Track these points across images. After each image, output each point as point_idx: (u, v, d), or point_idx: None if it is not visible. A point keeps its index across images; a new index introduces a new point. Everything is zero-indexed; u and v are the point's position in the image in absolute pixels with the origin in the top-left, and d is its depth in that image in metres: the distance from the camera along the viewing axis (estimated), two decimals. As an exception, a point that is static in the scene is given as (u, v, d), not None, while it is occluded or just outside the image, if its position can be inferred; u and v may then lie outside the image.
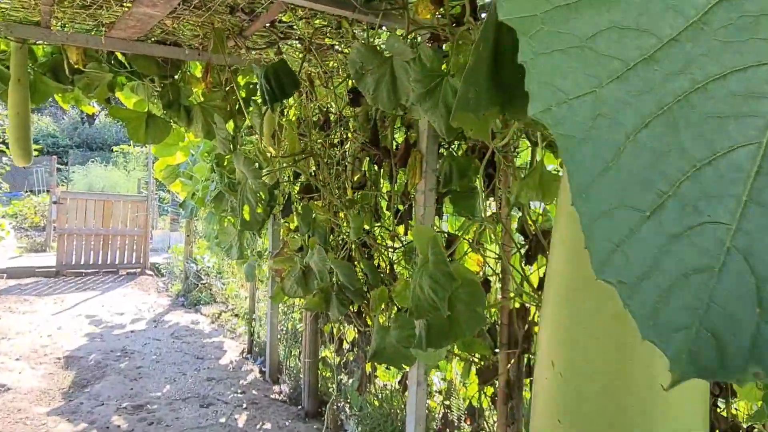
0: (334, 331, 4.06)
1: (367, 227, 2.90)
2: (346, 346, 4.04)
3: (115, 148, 18.17)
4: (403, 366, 1.97)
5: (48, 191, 13.01)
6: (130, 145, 17.88)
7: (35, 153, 8.14)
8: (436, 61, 1.38)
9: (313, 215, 3.07)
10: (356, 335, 3.80)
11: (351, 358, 3.99)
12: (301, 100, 3.50)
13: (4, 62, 3.49)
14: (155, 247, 10.39)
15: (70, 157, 18.95)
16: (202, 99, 3.85)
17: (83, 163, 18.45)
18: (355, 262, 2.95)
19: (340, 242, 3.11)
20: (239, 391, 4.46)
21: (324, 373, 4.35)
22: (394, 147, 2.56)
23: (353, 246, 2.88)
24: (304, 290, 3.21)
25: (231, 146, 3.57)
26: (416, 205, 2.13)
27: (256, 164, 2.42)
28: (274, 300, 4.18)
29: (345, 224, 3.03)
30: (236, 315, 6.63)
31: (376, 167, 2.89)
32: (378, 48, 1.69)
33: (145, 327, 6.16)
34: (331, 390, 4.05)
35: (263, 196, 2.48)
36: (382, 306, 2.78)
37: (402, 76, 1.54)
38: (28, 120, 3.46)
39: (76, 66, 3.49)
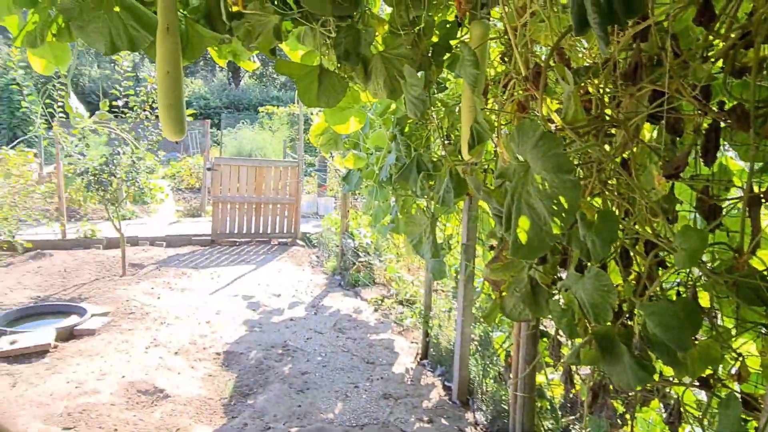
0: (561, 353, 2.94)
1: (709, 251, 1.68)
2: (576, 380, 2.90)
3: (260, 109, 18.33)
4: None
5: (201, 153, 13.19)
6: (275, 106, 17.89)
7: (189, 118, 7.81)
8: None
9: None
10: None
11: (584, 398, 2.86)
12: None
13: (152, 7, 2.65)
14: (303, 213, 9.91)
15: (222, 120, 19.50)
16: (381, 47, 2.85)
17: (233, 124, 18.85)
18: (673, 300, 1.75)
19: (643, 264, 1.91)
20: (425, 418, 3.55)
21: (541, 404, 3.32)
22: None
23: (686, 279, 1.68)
24: (533, 310, 2.14)
25: (424, 107, 2.55)
26: None
27: (561, 147, 1.30)
28: (487, 320, 3.14)
29: (647, 232, 1.83)
30: (400, 302, 5.78)
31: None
32: None
33: (305, 314, 5.51)
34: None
35: (564, 204, 1.36)
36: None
37: None
38: (181, 81, 2.56)
39: (234, 8, 2.57)
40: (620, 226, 1.81)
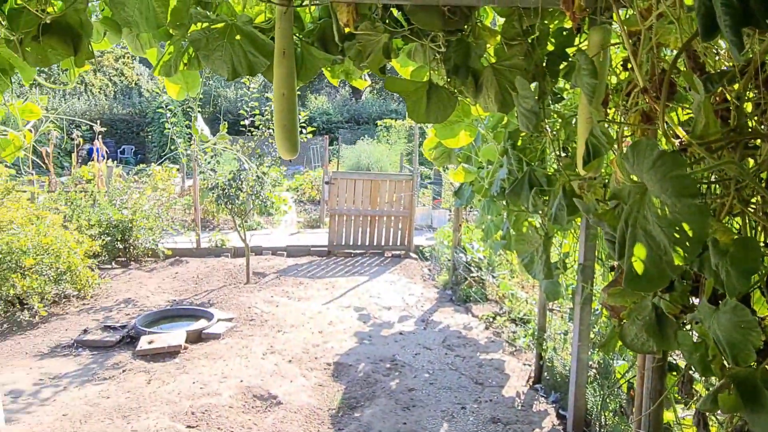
0: (695, 392, 2.63)
1: None
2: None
3: (378, 123, 18.80)
4: None
5: (322, 166, 13.77)
6: (393, 119, 18.24)
7: (309, 135, 8.13)
8: None
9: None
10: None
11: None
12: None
13: (269, 33, 2.80)
14: (416, 225, 9.94)
15: (340, 135, 20.33)
16: (493, 59, 2.76)
17: (353, 139, 19.54)
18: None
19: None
20: (536, 448, 3.35)
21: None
22: None
23: None
24: (658, 342, 1.89)
25: (537, 120, 2.43)
26: None
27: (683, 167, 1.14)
28: (604, 349, 2.90)
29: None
30: (513, 320, 5.55)
31: None
32: None
33: (414, 328, 5.50)
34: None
35: (689, 232, 1.19)
36: None
37: None
38: (295, 103, 2.66)
39: (346, 29, 2.63)
40: (766, 251, 1.57)
